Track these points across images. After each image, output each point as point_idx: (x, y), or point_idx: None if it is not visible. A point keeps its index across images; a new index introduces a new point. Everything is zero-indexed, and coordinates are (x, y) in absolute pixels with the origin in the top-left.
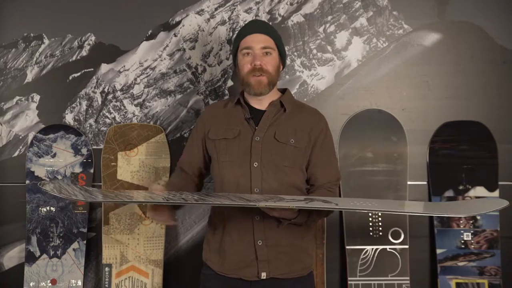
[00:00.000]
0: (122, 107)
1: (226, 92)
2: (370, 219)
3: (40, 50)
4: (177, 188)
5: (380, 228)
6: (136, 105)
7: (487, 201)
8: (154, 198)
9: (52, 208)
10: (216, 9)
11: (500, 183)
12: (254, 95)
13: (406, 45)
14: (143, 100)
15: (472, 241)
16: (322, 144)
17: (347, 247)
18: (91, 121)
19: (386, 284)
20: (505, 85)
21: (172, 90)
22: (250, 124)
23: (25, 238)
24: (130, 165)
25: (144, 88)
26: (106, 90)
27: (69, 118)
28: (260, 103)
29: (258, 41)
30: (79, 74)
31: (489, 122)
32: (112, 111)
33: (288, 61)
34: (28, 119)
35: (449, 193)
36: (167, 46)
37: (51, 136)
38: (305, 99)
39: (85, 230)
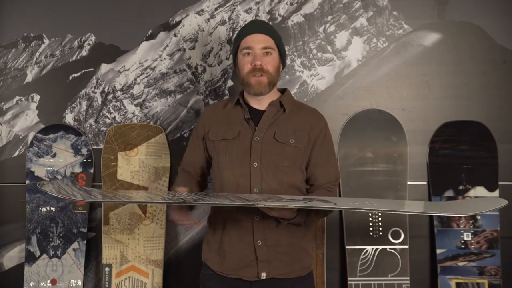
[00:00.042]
0: (122, 107)
1: (226, 92)
2: (370, 219)
3: (40, 50)
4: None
5: (380, 228)
6: (136, 105)
7: (486, 200)
8: (153, 199)
9: (52, 208)
10: (216, 9)
11: (500, 183)
12: (254, 95)
13: (406, 45)
14: (143, 100)
15: (472, 241)
16: (322, 144)
17: (347, 247)
18: (91, 121)
19: (386, 284)
20: (505, 85)
21: (172, 90)
22: (250, 124)
23: (25, 238)
24: (130, 165)
25: (144, 88)
26: (106, 90)
27: (69, 118)
28: (260, 103)
29: (258, 41)
30: (79, 74)
31: (489, 122)
32: (112, 111)
33: (288, 61)
34: (28, 119)
35: (449, 193)
36: (167, 46)
37: (51, 136)
38: (305, 99)
39: (85, 230)
